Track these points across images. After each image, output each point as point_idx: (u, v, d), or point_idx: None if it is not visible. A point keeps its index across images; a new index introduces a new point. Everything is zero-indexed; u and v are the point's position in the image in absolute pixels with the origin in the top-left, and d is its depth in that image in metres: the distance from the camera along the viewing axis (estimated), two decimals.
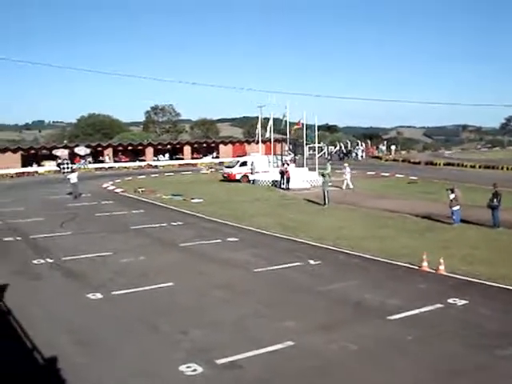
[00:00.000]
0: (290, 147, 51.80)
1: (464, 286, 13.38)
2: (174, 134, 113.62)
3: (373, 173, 51.93)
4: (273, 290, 13.19)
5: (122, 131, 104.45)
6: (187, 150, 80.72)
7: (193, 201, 31.86)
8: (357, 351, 9.25)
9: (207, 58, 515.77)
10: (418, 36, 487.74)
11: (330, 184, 31.79)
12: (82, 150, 70.53)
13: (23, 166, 65.94)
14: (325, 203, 29.15)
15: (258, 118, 53.06)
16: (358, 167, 57.95)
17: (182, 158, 78.80)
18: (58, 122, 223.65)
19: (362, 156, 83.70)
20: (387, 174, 50.02)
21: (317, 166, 42.81)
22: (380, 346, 9.47)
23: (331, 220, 24.21)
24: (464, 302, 11.88)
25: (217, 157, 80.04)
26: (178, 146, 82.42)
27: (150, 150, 77.63)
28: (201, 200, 32.02)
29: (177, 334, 10.17)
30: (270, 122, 47.18)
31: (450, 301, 11.92)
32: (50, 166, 66.78)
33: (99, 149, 75.14)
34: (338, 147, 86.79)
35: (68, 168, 36.71)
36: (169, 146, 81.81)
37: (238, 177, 45.39)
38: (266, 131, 48.26)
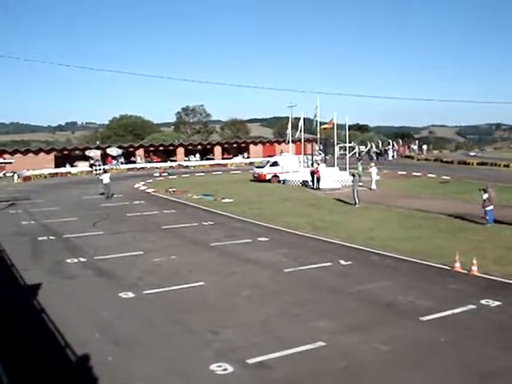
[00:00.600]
0: (321, 147, 51.63)
1: (497, 287, 13.15)
2: (204, 134, 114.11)
3: (404, 172, 51.40)
4: (303, 290, 13.14)
5: (154, 132, 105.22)
6: (218, 150, 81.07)
7: (223, 201, 31.96)
8: (388, 352, 9.16)
9: (237, 58, 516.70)
10: (450, 34, 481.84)
11: (360, 184, 31.59)
12: (114, 151, 71.31)
13: (56, 166, 66.94)
14: (355, 203, 28.98)
15: (288, 117, 52.99)
16: (390, 167, 57.52)
17: (213, 159, 79.13)
18: (90, 123, 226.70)
19: (393, 156, 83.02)
20: (419, 174, 49.47)
21: (347, 166, 42.60)
22: (412, 348, 9.36)
23: (362, 220, 24.05)
24: (497, 303, 11.69)
25: (248, 157, 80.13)
26: (208, 146, 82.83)
27: (180, 151, 78.17)
28: (231, 200, 32.11)
29: (207, 333, 10.21)
30: (301, 122, 47.05)
31: (483, 302, 11.74)
32: (82, 166, 67.61)
33: (131, 149, 75.94)
34: (368, 147, 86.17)
35: (100, 169, 37.38)
36: (199, 147, 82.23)
37: (268, 177, 45.39)
38: (296, 131, 48.14)
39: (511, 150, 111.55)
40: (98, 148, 72.12)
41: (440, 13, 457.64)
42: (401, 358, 8.97)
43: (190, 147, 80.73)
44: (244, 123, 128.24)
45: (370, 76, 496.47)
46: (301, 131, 46.97)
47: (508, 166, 58.48)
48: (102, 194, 35.49)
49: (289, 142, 50.44)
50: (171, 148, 78.80)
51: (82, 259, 16.80)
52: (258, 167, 49.19)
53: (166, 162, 75.22)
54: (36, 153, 68.89)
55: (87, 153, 69.76)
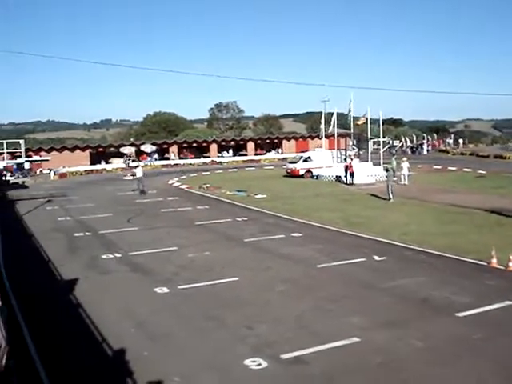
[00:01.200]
0: (354, 142, 51.33)
1: None
2: (237, 130, 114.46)
3: (439, 167, 50.83)
4: (337, 286, 13.10)
5: (187, 128, 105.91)
6: (251, 146, 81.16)
7: (256, 196, 32.01)
8: (423, 349, 9.08)
9: (270, 53, 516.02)
10: (484, 27, 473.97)
11: (394, 179, 31.32)
12: (148, 148, 71.89)
13: (92, 163, 67.87)
14: (389, 198, 28.73)
15: (321, 112, 52.78)
16: (425, 161, 56.94)
17: (246, 155, 79.24)
18: (124, 120, 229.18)
19: (428, 150, 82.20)
20: (454, 168, 48.84)
21: (381, 161, 42.26)
22: (447, 344, 9.25)
23: (396, 215, 23.85)
24: None
25: (281, 152, 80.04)
26: (241, 142, 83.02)
27: (214, 147, 78.47)
28: (264, 196, 32.14)
29: (242, 328, 10.25)
30: (334, 117, 46.82)
31: None
32: (117, 163, 68.36)
33: (165, 146, 76.52)
34: (403, 141, 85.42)
35: (130, 161, 39.17)
36: (232, 143, 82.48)
37: (301, 172, 45.29)
38: (329, 126, 47.92)
39: None
40: (132, 145, 72.82)
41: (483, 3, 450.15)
42: (436, 354, 8.87)
43: (223, 143, 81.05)
44: (277, 119, 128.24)
45: (404, 70, 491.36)
46: (334, 126, 46.75)
47: None
48: (134, 190, 35.78)
49: (322, 137, 50.25)
50: (204, 144, 79.17)
51: (117, 255, 17.01)
52: (290, 163, 49.09)
53: (199, 158, 75.61)
54: (72, 150, 69.91)
55: (122, 150, 70.50)
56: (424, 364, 8.52)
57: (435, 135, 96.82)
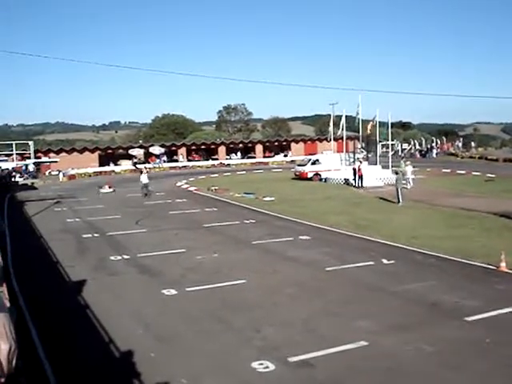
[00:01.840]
0: (363, 145, 51.24)
1: None
2: (245, 132, 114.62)
3: (448, 170, 50.67)
4: (345, 289, 13.06)
5: (195, 131, 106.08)
6: (259, 148, 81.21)
7: (264, 199, 31.99)
8: (433, 353, 9.01)
9: (279, 56, 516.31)
10: (495, 29, 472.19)
11: (403, 182, 31.24)
12: (156, 150, 72.04)
13: (101, 165, 68.08)
14: (398, 201, 28.65)
15: (330, 115, 52.76)
16: (434, 164, 56.77)
17: (254, 157, 79.27)
18: (133, 122, 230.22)
19: (437, 153, 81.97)
20: (463, 172, 48.66)
21: (390, 164, 42.14)
22: (457, 349, 9.19)
23: (405, 218, 23.77)
24: None
25: (289, 155, 79.98)
26: (249, 144, 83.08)
27: (222, 149, 78.52)
28: (272, 198, 32.10)
29: (249, 331, 10.22)
30: (343, 120, 46.77)
31: None
32: (126, 165, 68.53)
33: (173, 148, 76.62)
34: (411, 144, 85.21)
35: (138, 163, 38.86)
36: (241, 145, 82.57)
37: (309, 175, 45.25)
38: (338, 129, 47.86)
39: None
40: (141, 147, 73.03)
41: (491, 8, 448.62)
42: (445, 358, 8.80)
43: (232, 146, 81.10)
44: (285, 121, 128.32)
45: (413, 73, 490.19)
46: (343, 129, 46.69)
47: None
48: (146, 194, 35.68)
49: (330, 139, 50.18)
50: (213, 146, 79.24)
51: (125, 256, 17.02)
52: (299, 165, 49.06)
53: (207, 160, 75.69)
54: (81, 152, 70.19)
55: (130, 152, 70.74)
56: (433, 368, 8.45)
57: (444, 138, 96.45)
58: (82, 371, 8.63)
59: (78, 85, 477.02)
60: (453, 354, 8.96)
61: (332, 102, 53.29)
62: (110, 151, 73.75)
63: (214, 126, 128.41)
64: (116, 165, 69.42)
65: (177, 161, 74.48)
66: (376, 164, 43.98)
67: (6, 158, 59.76)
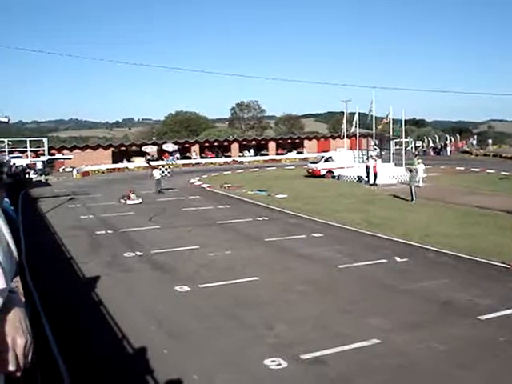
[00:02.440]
0: (376, 142, 51.08)
1: None
2: (258, 130, 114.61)
3: (462, 168, 50.40)
4: (358, 287, 13.04)
5: (208, 128, 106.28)
6: (272, 145, 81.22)
7: (277, 196, 31.98)
8: (445, 352, 8.97)
9: (292, 53, 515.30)
10: (506, 25, 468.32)
11: (417, 180, 31.11)
12: (169, 147, 71.98)
13: (114, 162, 68.43)
14: (412, 199, 28.55)
15: (343, 112, 52.70)
16: (448, 162, 56.49)
17: (267, 154, 79.30)
18: (146, 119, 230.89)
19: (450, 151, 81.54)
20: (477, 170, 48.38)
21: (403, 162, 41.97)
22: (469, 347, 9.16)
23: (419, 216, 23.67)
24: None
25: (302, 152, 79.87)
26: (262, 142, 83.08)
27: (235, 146, 78.64)
28: (285, 195, 32.10)
29: (262, 328, 10.24)
30: (356, 117, 46.65)
31: None
32: (139, 162, 68.76)
33: (186, 145, 76.78)
34: (425, 142, 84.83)
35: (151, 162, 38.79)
36: (254, 142, 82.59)
37: (322, 172, 45.16)
38: (351, 126, 47.74)
39: None
40: (154, 144, 73.14)
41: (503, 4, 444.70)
42: (458, 357, 8.77)
43: (245, 143, 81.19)
44: (298, 118, 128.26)
45: (427, 70, 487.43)
46: (356, 126, 46.56)
47: None
48: (160, 191, 35.72)
49: (343, 137, 50.07)
50: (226, 144, 79.38)
51: (138, 253, 17.10)
52: (312, 163, 48.96)
53: (220, 157, 75.79)
54: (94, 149, 70.60)
55: (144, 148, 70.82)
56: (445, 367, 8.43)
57: (458, 136, 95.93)
58: (94, 367, 8.69)
59: (92, 82, 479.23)
60: (465, 353, 8.93)
61: (345, 99, 53.25)
62: (123, 148, 74.12)
63: (227, 123, 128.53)
64: (129, 162, 69.67)
65: (190, 158, 74.63)
66: (389, 162, 43.81)
67: (20, 155, 60.28)
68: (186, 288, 12.96)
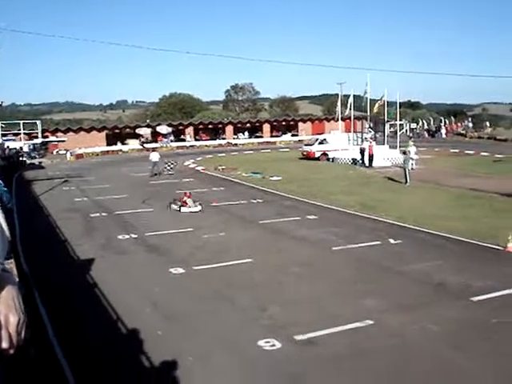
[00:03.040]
0: (371, 125, 51.00)
1: None
2: (253, 112, 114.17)
3: (457, 150, 50.46)
4: (351, 269, 13.09)
5: (203, 110, 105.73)
6: (266, 128, 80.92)
7: (272, 178, 31.96)
8: (438, 332, 9.05)
9: (286, 35, 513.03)
10: (503, 10, 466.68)
11: (412, 162, 31.13)
12: (163, 129, 71.88)
13: (108, 144, 68.02)
14: (406, 181, 28.59)
15: (337, 95, 52.55)
16: (442, 145, 56.57)
17: (262, 136, 79.01)
18: (140, 101, 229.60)
19: (445, 134, 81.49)
20: (472, 152, 48.43)
21: (398, 144, 41.97)
22: (462, 328, 9.24)
23: (413, 199, 23.73)
24: None
25: (295, 134, 79.70)
26: (257, 124, 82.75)
27: (229, 129, 78.33)
28: (280, 178, 32.07)
29: (256, 309, 10.28)
30: (351, 99, 46.52)
31: None
32: (133, 144, 68.53)
33: (180, 127, 76.44)
34: (420, 124, 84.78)
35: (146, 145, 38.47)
36: (248, 125, 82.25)
37: (317, 155, 45.09)
38: (345, 108, 47.63)
39: None
40: (148, 126, 72.92)
41: None
42: (451, 338, 8.84)
43: (239, 125, 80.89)
44: (293, 100, 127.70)
45: (421, 53, 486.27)
46: (350, 109, 46.45)
47: None
48: (155, 174, 35.38)
49: (338, 119, 49.97)
50: (220, 126, 79.08)
51: (133, 235, 17.09)
52: (306, 145, 48.81)
53: (215, 139, 75.55)
54: (88, 131, 70.17)
55: (138, 131, 70.65)
56: (438, 348, 8.50)
57: (453, 118, 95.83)
58: (89, 347, 8.71)
59: (86, 64, 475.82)
60: (459, 334, 9.00)
61: (340, 82, 53.13)
62: (117, 130, 73.70)
63: (222, 105, 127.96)
64: (123, 144, 69.36)
65: (184, 140, 74.34)
66: (384, 144, 43.80)
67: (13, 138, 59.96)
68: (181, 270, 12.98)
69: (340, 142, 44.91)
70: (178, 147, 69.10)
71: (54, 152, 62.33)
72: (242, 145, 72.26)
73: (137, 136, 70.28)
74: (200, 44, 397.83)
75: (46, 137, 65.01)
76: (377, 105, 44.92)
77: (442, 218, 18.70)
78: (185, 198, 21.66)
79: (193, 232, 17.37)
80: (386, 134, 45.71)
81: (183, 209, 21.30)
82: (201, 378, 7.56)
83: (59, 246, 15.96)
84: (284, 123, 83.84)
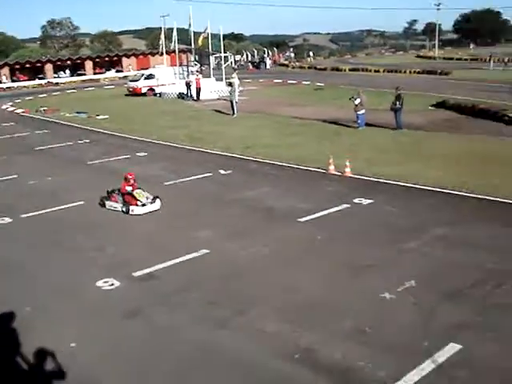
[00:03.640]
0: (196, 58, 50.79)
1: (369, 186, 13.93)
2: (73, 48, 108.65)
3: (280, 80, 51.98)
4: (184, 202, 13.29)
5: (18, 48, 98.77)
6: (89, 65, 77.57)
7: (98, 117, 30.98)
8: (268, 254, 9.59)
9: None
10: None
11: (237, 93, 31.64)
12: None
13: None
14: (233, 113, 29.09)
15: (161, 28, 51.50)
16: (266, 76, 57.94)
17: (84, 74, 75.78)
18: None
19: (270, 65, 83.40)
20: (294, 82, 50.18)
21: (224, 76, 42.35)
22: (291, 248, 9.88)
23: (241, 129, 24.28)
24: (369, 201, 12.44)
25: (120, 70, 77.43)
26: (78, 61, 78.91)
27: (49, 67, 74.03)
28: (106, 116, 31.17)
29: (92, 251, 10.14)
30: (174, 33, 45.89)
31: (356, 201, 12.45)
32: None
33: None
34: (244, 56, 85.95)
35: None
36: (69, 62, 78.17)
37: (143, 90, 44.28)
38: (170, 42, 46.95)
39: (381, 56, 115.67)
40: None
41: None
42: (281, 257, 9.45)
43: (59, 63, 76.63)
44: (115, 35, 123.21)
45: None
46: (174, 42, 45.87)
47: (378, 71, 60.75)
48: None
49: (163, 53, 49.19)
50: (39, 65, 74.42)
51: None
52: (132, 81, 47.60)
53: (34, 80, 71.23)
54: None
55: None
56: (270, 267, 9.04)
57: (276, 49, 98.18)
58: None
59: None
60: (288, 253, 9.65)
61: (163, 15, 51.85)
62: None
63: (39, 42, 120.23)
64: None
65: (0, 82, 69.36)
66: (210, 77, 43.96)
67: None
68: (8, 219, 12.35)
69: (166, 77, 44.35)
70: None
71: None
72: (64, 84, 68.84)
73: None
74: None
75: None
76: (201, 37, 44.70)
77: (269, 147, 19.42)
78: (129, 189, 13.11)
79: (17, 179, 16.50)
80: (211, 67, 45.84)
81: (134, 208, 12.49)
82: (40, 328, 7.35)
83: None
84: (107, 59, 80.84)
